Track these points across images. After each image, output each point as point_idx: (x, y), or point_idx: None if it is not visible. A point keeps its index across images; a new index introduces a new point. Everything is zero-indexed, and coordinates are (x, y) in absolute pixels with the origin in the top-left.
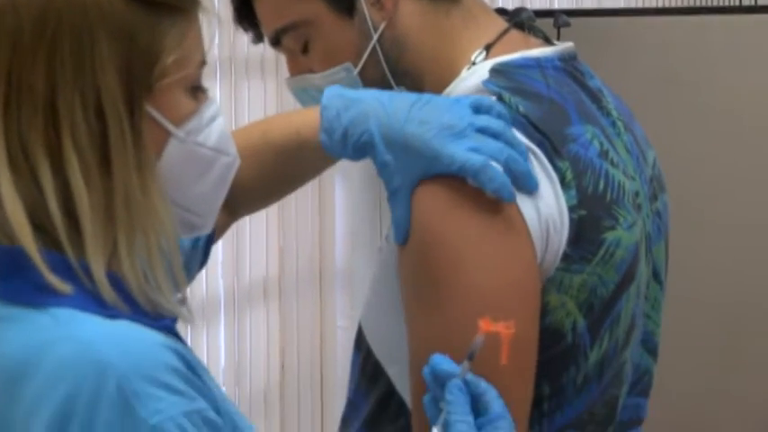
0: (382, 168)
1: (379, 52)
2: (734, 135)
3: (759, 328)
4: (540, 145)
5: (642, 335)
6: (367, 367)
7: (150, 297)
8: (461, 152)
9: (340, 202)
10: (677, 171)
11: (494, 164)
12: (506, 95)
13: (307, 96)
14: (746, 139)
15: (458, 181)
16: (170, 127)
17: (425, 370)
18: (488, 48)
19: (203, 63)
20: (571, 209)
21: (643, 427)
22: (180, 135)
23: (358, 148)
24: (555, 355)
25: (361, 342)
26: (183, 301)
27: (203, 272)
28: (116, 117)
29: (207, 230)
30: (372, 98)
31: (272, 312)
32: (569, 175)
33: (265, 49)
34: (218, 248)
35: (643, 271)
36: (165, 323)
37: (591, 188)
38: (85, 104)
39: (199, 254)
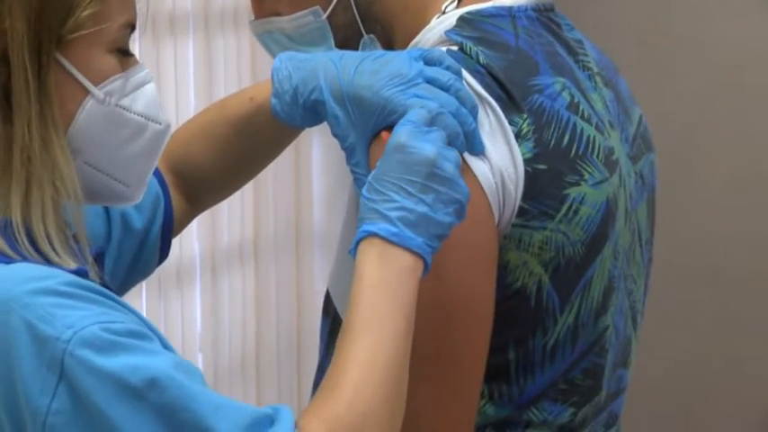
0: (334, 124)
1: None
2: (730, 90)
3: (753, 292)
4: (497, 99)
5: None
6: (334, 332)
7: (41, 249)
8: (413, 99)
9: (317, 160)
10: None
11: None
12: (468, 45)
13: (271, 41)
14: (742, 94)
15: None
16: (86, 83)
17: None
18: None
19: (131, 27)
20: (527, 161)
21: (625, 396)
22: (98, 94)
23: (308, 106)
24: (520, 317)
25: (328, 307)
26: (86, 261)
27: (179, 236)
28: (21, 64)
29: (135, 201)
30: (324, 57)
31: (248, 277)
32: (526, 128)
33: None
34: None
35: (623, 233)
36: (78, 269)
37: (553, 142)
38: None
39: (153, 241)
